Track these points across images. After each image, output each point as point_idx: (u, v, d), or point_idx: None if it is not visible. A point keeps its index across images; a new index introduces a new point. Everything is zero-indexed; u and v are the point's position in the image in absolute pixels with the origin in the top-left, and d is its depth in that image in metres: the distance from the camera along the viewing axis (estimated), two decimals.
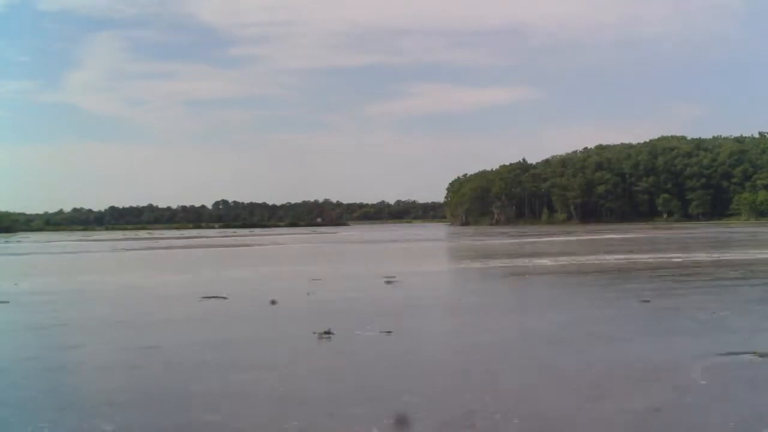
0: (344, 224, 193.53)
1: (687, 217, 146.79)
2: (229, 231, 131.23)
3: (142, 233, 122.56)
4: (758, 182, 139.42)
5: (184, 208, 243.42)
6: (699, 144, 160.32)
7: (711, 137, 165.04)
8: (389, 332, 11.08)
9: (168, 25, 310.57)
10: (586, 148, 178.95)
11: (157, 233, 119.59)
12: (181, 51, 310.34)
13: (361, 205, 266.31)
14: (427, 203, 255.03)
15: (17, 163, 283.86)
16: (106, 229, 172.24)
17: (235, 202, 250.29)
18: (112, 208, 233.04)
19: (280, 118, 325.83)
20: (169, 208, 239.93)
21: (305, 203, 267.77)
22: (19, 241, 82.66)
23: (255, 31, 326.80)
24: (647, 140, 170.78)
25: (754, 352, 8.95)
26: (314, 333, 10.99)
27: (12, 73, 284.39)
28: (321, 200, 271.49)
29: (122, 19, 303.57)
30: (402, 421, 6.33)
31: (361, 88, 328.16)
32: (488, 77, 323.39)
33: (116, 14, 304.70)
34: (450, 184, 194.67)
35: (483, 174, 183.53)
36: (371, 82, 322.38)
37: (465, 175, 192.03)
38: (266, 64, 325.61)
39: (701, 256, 29.85)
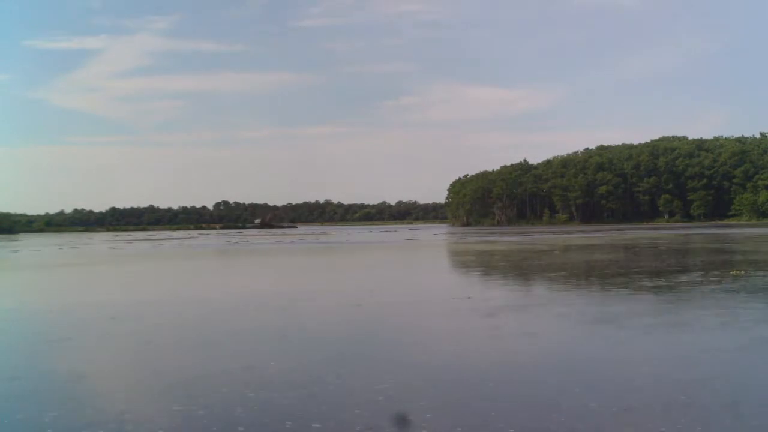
0: (283, 226, 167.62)
1: (688, 217, 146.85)
2: (224, 232, 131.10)
3: (178, 233, 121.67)
4: (759, 183, 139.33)
5: (184, 209, 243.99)
6: (700, 144, 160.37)
7: (712, 138, 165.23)
8: None
9: (166, 24, 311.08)
10: (587, 149, 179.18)
11: (169, 233, 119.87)
12: (182, 50, 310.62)
13: (362, 206, 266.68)
14: (429, 204, 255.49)
15: (18, 163, 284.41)
16: (107, 230, 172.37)
17: (236, 202, 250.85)
18: (113, 209, 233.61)
19: (281, 119, 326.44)
20: (170, 209, 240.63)
21: (306, 204, 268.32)
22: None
23: (256, 29, 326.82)
24: (648, 140, 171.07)
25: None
26: None
27: (12, 72, 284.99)
28: (322, 201, 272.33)
29: (118, 21, 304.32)
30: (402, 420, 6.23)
31: (364, 88, 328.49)
32: (491, 77, 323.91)
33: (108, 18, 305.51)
34: (451, 184, 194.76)
35: (484, 174, 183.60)
36: (373, 82, 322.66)
37: (466, 176, 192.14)
38: (267, 63, 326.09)
39: None
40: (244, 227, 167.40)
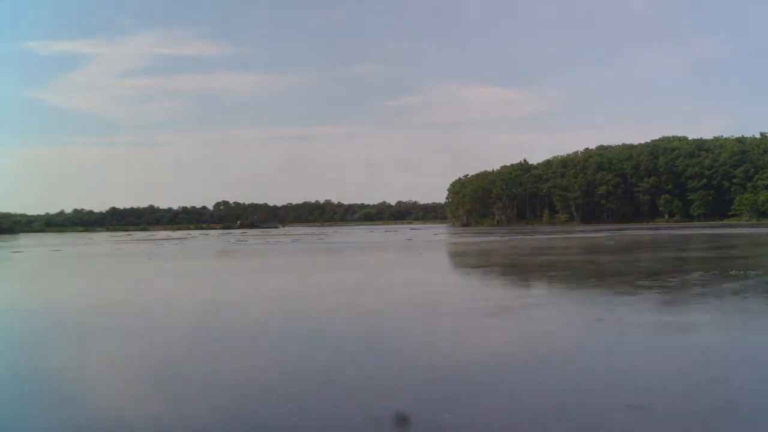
0: (266, 226, 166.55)
1: (688, 217, 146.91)
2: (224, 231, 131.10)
3: (178, 233, 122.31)
4: (759, 183, 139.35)
5: (184, 209, 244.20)
6: (700, 144, 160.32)
7: (712, 137, 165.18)
8: None
9: (167, 24, 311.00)
10: (587, 149, 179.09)
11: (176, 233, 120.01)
12: (183, 50, 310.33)
13: (362, 206, 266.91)
14: (428, 204, 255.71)
15: (18, 163, 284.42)
16: (107, 230, 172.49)
17: (236, 202, 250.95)
18: (113, 209, 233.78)
19: (281, 119, 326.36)
20: (170, 209, 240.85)
21: (306, 204, 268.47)
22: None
23: (256, 29, 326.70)
24: (648, 141, 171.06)
25: None
26: None
27: (12, 72, 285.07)
28: (322, 201, 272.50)
29: (119, 22, 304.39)
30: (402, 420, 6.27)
31: (364, 88, 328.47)
32: (491, 77, 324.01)
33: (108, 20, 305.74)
34: (451, 184, 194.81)
35: (484, 174, 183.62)
36: (373, 82, 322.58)
37: (466, 176, 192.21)
38: (267, 63, 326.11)
39: None
40: (239, 227, 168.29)
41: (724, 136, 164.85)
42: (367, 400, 7.14)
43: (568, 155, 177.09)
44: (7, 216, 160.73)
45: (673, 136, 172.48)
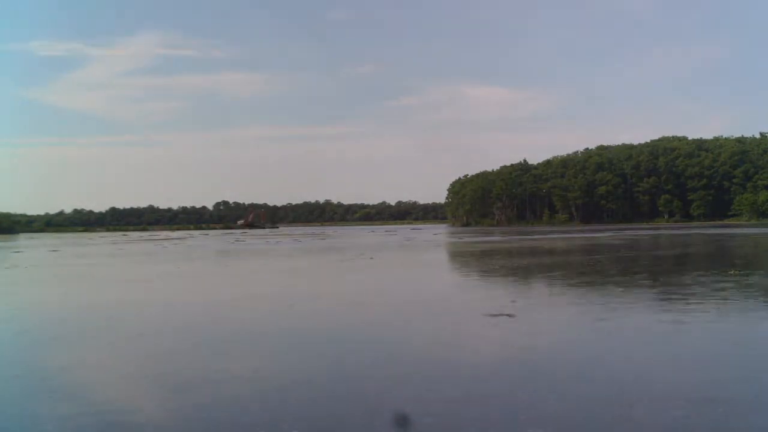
0: (266, 226, 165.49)
1: (688, 217, 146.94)
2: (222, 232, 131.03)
3: (177, 233, 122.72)
4: (759, 183, 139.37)
5: (184, 209, 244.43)
6: (700, 144, 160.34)
7: (712, 137, 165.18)
8: None
9: (167, 24, 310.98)
10: (587, 149, 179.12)
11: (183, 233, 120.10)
12: (183, 51, 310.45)
13: (362, 206, 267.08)
14: (428, 204, 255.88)
15: (18, 163, 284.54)
16: (107, 230, 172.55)
17: (236, 203, 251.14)
18: (113, 209, 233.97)
19: (281, 119, 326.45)
20: (169, 209, 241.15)
21: (306, 204, 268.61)
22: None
23: (257, 29, 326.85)
24: (648, 140, 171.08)
25: None
26: None
27: (12, 72, 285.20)
28: (322, 201, 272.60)
29: (119, 21, 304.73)
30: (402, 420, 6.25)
31: (364, 88, 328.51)
32: (491, 77, 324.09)
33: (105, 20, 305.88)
34: (451, 184, 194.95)
35: (484, 174, 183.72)
36: (374, 82, 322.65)
37: (466, 176, 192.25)
38: (267, 63, 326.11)
39: None
40: (239, 227, 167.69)
41: (724, 136, 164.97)
42: (368, 399, 7.11)
43: (568, 155, 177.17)
44: (7, 216, 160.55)
45: (673, 136, 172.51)
